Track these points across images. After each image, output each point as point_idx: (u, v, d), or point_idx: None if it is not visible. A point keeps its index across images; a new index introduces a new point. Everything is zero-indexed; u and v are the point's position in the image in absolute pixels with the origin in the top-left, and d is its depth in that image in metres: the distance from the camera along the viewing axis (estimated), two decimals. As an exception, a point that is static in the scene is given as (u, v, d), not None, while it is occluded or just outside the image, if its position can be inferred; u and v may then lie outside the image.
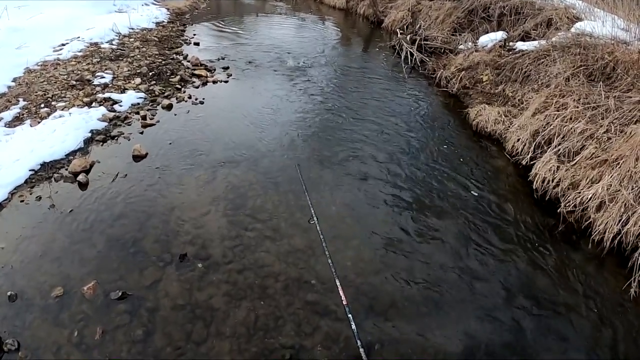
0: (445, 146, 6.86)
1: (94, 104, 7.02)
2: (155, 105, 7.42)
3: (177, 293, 3.99)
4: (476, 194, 5.65)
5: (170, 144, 6.32)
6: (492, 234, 4.95)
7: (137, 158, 5.90)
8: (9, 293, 3.87)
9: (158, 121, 6.95)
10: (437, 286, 4.24)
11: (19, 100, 6.94)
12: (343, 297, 1.85)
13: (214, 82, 8.89)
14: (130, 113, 7.04)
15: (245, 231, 4.74)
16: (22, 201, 4.97)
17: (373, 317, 3.87)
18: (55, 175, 5.38)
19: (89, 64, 8.72)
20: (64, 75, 8.00)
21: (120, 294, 3.92)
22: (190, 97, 7.90)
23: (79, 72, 8.21)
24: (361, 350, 1.50)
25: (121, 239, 4.53)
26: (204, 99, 7.95)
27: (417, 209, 5.32)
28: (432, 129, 7.41)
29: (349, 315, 1.70)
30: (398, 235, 4.85)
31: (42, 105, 6.84)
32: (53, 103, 6.93)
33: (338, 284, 2.10)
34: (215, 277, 4.17)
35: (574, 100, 5.98)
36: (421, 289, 4.20)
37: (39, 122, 6.33)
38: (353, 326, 1.62)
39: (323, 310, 3.86)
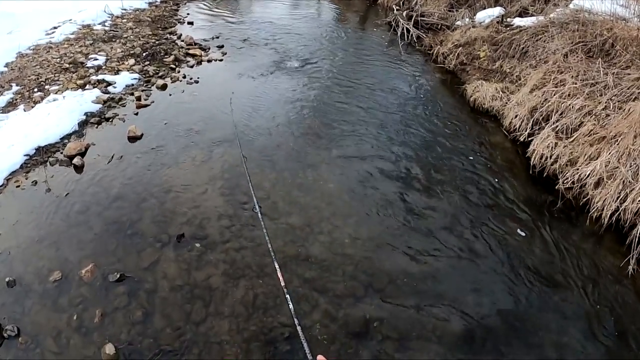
0: (443, 122, 6.72)
1: (87, 87, 6.87)
2: (149, 86, 7.25)
3: (175, 274, 3.93)
4: (473, 171, 5.55)
5: (165, 124, 6.19)
6: (490, 210, 4.87)
7: (133, 139, 5.77)
8: (7, 279, 3.80)
9: (153, 102, 6.80)
10: (435, 262, 4.18)
11: (12, 86, 6.78)
12: (281, 280, 1.77)
13: (209, 61, 8.69)
14: (124, 94, 6.89)
15: (243, 210, 4.66)
16: (18, 186, 4.87)
17: (372, 293, 3.80)
18: (51, 159, 5.26)
19: (81, 46, 8.51)
20: (57, 58, 7.81)
21: (118, 276, 3.85)
22: (184, 77, 7.73)
23: (72, 54, 8.02)
24: (299, 327, 1.42)
25: (118, 221, 4.44)
26: (198, 78, 7.78)
27: (414, 186, 5.23)
28: (429, 106, 7.25)
29: (287, 296, 1.63)
30: (395, 212, 4.77)
31: (36, 90, 6.68)
32: (46, 87, 6.78)
33: (277, 266, 2.03)
34: (213, 256, 4.10)
35: (572, 76, 5.85)
36: (419, 265, 4.14)
37: (32, 107, 6.18)
38: (291, 306, 1.55)
39: (322, 288, 3.80)
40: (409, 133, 6.35)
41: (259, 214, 2.98)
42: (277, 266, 2.05)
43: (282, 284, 1.83)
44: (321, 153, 5.74)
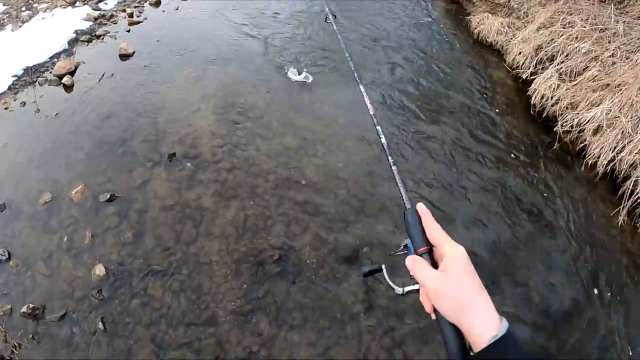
0: (444, 52, 5.91)
1: (77, 3, 6.14)
2: (142, 2, 6.46)
3: (166, 193, 3.59)
4: (472, 103, 4.97)
5: (158, 41, 5.54)
6: (487, 145, 4.37)
7: (124, 57, 5.18)
8: (-3, 202, 3.50)
9: (146, 18, 6.09)
10: (426, 192, 3.75)
11: (-1, 5, 6.10)
12: (370, 107, 1.33)
13: (205, -24, 7.78)
14: (116, 11, 6.16)
15: (236, 129, 4.22)
16: (6, 108, 4.41)
17: (363, 219, 3.42)
18: (40, 79, 4.75)
19: (72, -39, 7.59)
20: (46, -26, 6.98)
21: (108, 196, 3.52)
22: (179, -7, 6.92)
23: (62, -30, 7.17)
24: (393, 168, 1.01)
25: (108, 140, 4.03)
26: (194, -7, 6.96)
27: (411, 113, 4.67)
28: (431, 35, 6.32)
29: (378, 128, 1.22)
30: (389, 140, 4.28)
31: (24, 9, 5.99)
32: (35, 5, 6.07)
33: (362, 90, 1.55)
34: (205, 176, 3.74)
35: (582, 19, 5.10)
36: (410, 195, 3.72)
37: (20, 26, 5.56)
38: (383, 140, 1.15)
39: (313, 211, 3.45)
40: (408, 61, 5.61)
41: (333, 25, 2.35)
42: (362, 89, 1.56)
43: (371, 112, 1.40)
44: (317, 75, 5.16)
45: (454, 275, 0.75)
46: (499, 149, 4.37)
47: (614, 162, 3.91)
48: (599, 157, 4.00)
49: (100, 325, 2.86)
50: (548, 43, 5.15)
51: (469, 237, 3.46)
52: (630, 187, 3.69)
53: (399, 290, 0.90)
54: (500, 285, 3.19)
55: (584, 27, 5.03)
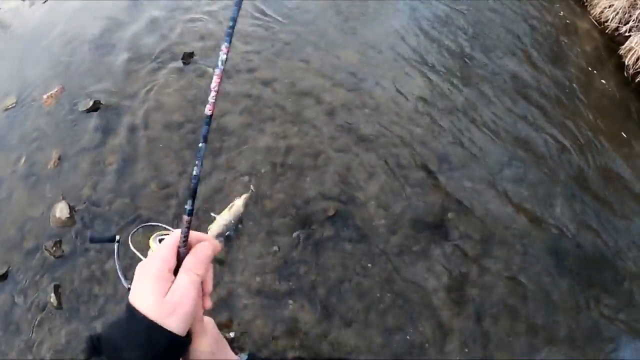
0: None
1: None
2: None
3: (174, 105, 2.24)
4: (560, 50, 3.33)
5: None
6: (577, 103, 2.84)
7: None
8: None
9: None
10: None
11: None
12: None
13: None
14: None
15: (278, 33, 2.75)
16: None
17: (448, 169, 2.02)
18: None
19: None
20: None
21: (91, 103, 2.20)
22: None
23: None
24: None
25: (105, 29, 2.64)
26: None
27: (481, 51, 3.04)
28: None
29: None
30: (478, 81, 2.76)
31: None
32: None
33: None
34: (233, 88, 2.35)
35: None
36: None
37: None
38: None
39: (385, 154, 2.03)
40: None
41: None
42: None
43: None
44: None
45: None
46: (588, 106, 2.86)
47: None
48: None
49: (52, 297, 1.62)
50: (647, 2, 3.60)
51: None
52: None
53: (126, 283, 0.66)
54: None
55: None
